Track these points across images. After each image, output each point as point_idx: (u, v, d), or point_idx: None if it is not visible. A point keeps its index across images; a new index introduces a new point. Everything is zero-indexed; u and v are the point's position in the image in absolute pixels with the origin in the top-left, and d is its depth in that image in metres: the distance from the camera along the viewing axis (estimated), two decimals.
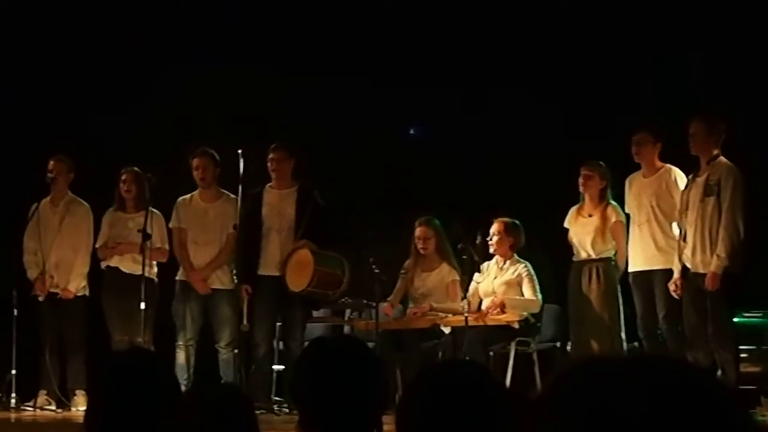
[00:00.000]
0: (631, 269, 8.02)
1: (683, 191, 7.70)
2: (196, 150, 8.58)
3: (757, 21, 8.79)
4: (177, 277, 8.66)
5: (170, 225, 8.72)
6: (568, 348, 8.39)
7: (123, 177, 8.76)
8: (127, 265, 8.67)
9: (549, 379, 1.15)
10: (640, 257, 7.95)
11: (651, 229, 7.90)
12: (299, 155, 8.47)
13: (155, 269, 8.70)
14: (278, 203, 8.44)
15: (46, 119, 9.60)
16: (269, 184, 8.51)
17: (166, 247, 8.73)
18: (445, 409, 2.27)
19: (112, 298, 8.66)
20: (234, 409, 2.68)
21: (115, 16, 9.80)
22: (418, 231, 8.57)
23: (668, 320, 7.79)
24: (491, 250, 8.38)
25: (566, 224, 8.31)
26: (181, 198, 8.72)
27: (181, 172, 8.63)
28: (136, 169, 8.72)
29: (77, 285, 8.78)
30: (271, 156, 8.44)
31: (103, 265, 8.82)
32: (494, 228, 8.37)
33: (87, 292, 8.86)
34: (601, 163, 8.17)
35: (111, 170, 8.85)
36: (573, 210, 8.30)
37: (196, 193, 8.70)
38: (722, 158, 7.51)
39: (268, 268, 8.35)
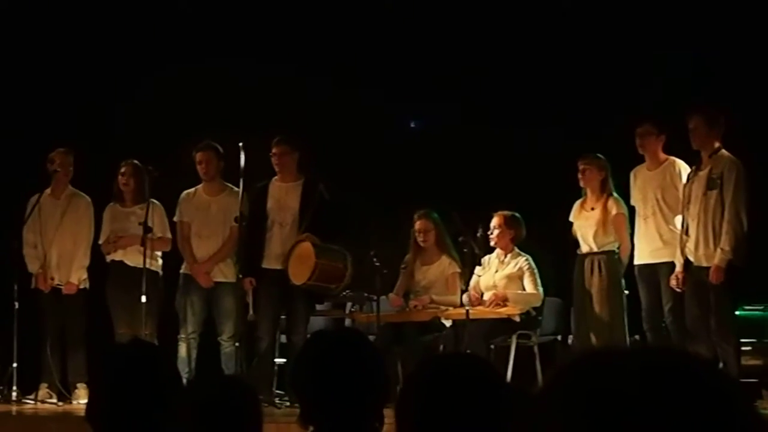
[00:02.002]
0: (636, 262, 8.01)
1: (685, 184, 7.68)
2: (199, 143, 8.57)
3: (759, 15, 8.79)
4: (181, 271, 8.66)
5: (174, 218, 8.73)
6: (570, 341, 8.39)
7: (122, 170, 8.75)
8: (132, 258, 8.65)
9: (550, 371, 1.15)
10: (645, 250, 7.94)
11: (656, 222, 7.90)
12: (303, 148, 8.46)
13: (159, 262, 8.70)
14: (283, 196, 8.44)
15: (47, 111, 9.60)
16: (275, 177, 8.50)
17: (168, 235, 8.72)
18: (446, 402, 2.27)
19: (117, 291, 8.66)
20: (239, 400, 2.68)
21: (117, 9, 9.80)
22: (417, 224, 8.57)
23: (674, 313, 7.78)
24: (492, 244, 8.37)
25: (571, 218, 8.30)
26: (185, 192, 8.72)
27: (184, 165, 8.63)
28: (135, 161, 8.71)
29: (79, 278, 8.78)
30: (273, 150, 8.43)
31: (109, 259, 8.82)
32: (494, 221, 8.37)
33: (87, 285, 8.86)
34: (599, 155, 8.15)
35: (114, 164, 8.84)
36: (577, 204, 8.29)
37: (200, 186, 8.70)
38: (724, 151, 7.50)
39: (271, 261, 8.35)
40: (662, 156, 7.99)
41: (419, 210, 8.56)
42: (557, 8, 9.44)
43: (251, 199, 8.34)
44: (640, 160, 8.09)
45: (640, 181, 8.06)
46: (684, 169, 7.83)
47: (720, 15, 8.91)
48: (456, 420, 2.26)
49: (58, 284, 8.75)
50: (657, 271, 7.87)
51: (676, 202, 7.80)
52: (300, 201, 8.36)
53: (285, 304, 8.37)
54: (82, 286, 8.81)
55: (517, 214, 8.39)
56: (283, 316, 8.48)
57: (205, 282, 8.53)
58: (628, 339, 8.03)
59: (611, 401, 1.04)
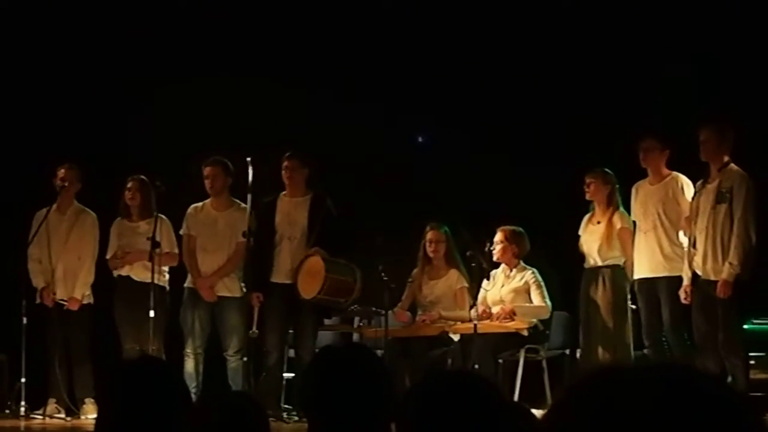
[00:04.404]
0: (636, 276, 8.00)
1: (693, 198, 7.68)
2: (208, 158, 8.59)
3: (760, 29, 8.80)
4: (185, 285, 8.67)
5: (181, 232, 8.74)
6: (578, 355, 8.37)
7: (128, 185, 8.77)
8: (138, 273, 8.67)
9: (559, 390, 1.15)
10: (645, 264, 7.93)
11: (657, 237, 7.89)
12: (313, 164, 8.48)
13: (166, 277, 8.71)
14: (291, 211, 8.46)
15: (54, 127, 9.61)
16: (283, 192, 8.52)
17: (176, 251, 8.73)
18: (442, 422, 2.27)
19: (124, 307, 8.66)
20: (247, 417, 2.68)
21: (124, 23, 9.82)
22: (429, 235, 8.57)
23: (674, 328, 7.77)
24: (495, 258, 8.38)
25: (579, 232, 8.31)
26: (192, 206, 8.74)
27: (192, 179, 8.64)
28: (142, 177, 8.73)
29: (82, 293, 8.77)
30: (285, 164, 8.46)
31: (115, 274, 8.83)
32: (497, 236, 8.37)
33: (92, 300, 8.86)
34: (606, 169, 8.16)
35: (122, 179, 8.85)
36: (586, 218, 8.30)
37: (208, 201, 8.72)
38: (733, 165, 7.49)
39: (279, 275, 8.36)
40: (665, 171, 7.98)
41: (432, 222, 8.57)
42: (561, 21, 9.44)
43: (259, 214, 8.36)
44: (645, 175, 8.08)
45: (641, 195, 8.06)
46: (686, 184, 7.83)
47: (726, 28, 8.91)
48: None
49: (61, 300, 8.75)
50: (656, 286, 7.86)
51: (678, 217, 7.79)
52: (308, 216, 8.38)
53: (293, 318, 8.38)
54: (85, 302, 8.80)
55: (520, 229, 8.39)
56: (290, 331, 8.48)
57: (208, 296, 8.54)
58: (632, 353, 8.01)
59: (623, 420, 1.05)
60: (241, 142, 8.64)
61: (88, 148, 9.24)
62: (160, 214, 8.55)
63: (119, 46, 9.79)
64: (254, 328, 8.20)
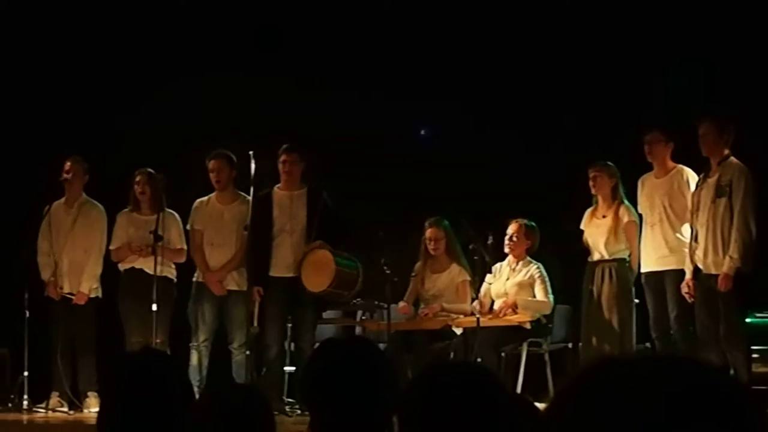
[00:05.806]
0: (643, 270, 8.00)
1: (694, 192, 7.68)
2: (212, 152, 8.59)
3: (762, 24, 8.79)
4: (194, 279, 8.67)
5: (187, 227, 8.74)
6: (579, 348, 8.38)
7: (137, 178, 8.76)
8: (152, 266, 8.61)
9: (561, 381, 1.15)
10: (652, 258, 7.94)
11: (663, 230, 7.89)
12: (310, 157, 8.48)
13: (174, 269, 8.70)
14: (289, 205, 8.45)
15: (61, 120, 9.62)
16: (277, 185, 8.51)
17: (185, 247, 8.74)
18: (444, 413, 2.27)
19: (132, 300, 8.63)
20: (251, 410, 2.68)
21: (130, 19, 9.83)
22: (428, 232, 8.57)
23: (680, 321, 7.77)
24: (506, 251, 8.37)
25: (582, 226, 8.30)
26: (198, 200, 8.74)
27: (194, 173, 8.65)
28: (149, 170, 8.73)
29: (89, 286, 8.76)
30: (283, 158, 8.45)
31: (122, 267, 8.81)
32: (512, 229, 8.36)
33: (99, 294, 8.85)
34: (609, 162, 8.15)
35: (125, 172, 8.85)
36: (588, 212, 8.30)
37: (213, 195, 8.72)
38: (733, 159, 7.49)
39: (279, 269, 8.36)
40: (670, 164, 7.99)
41: (430, 218, 8.57)
42: (565, 15, 9.44)
43: (255, 208, 8.32)
44: (648, 168, 8.08)
45: (647, 188, 8.06)
46: (692, 176, 7.83)
47: (728, 22, 8.90)
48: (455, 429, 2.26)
49: (68, 293, 8.75)
50: (663, 279, 7.87)
51: (683, 210, 7.79)
52: (306, 209, 8.37)
53: (292, 311, 8.38)
54: (93, 295, 8.79)
55: (533, 223, 8.39)
56: (289, 325, 8.48)
57: (217, 290, 8.54)
58: (635, 347, 8.01)
59: (626, 411, 1.05)
60: (243, 135, 8.63)
61: (96, 141, 9.25)
62: (170, 210, 8.56)
63: (121, 40, 9.80)
64: (255, 323, 8.20)
